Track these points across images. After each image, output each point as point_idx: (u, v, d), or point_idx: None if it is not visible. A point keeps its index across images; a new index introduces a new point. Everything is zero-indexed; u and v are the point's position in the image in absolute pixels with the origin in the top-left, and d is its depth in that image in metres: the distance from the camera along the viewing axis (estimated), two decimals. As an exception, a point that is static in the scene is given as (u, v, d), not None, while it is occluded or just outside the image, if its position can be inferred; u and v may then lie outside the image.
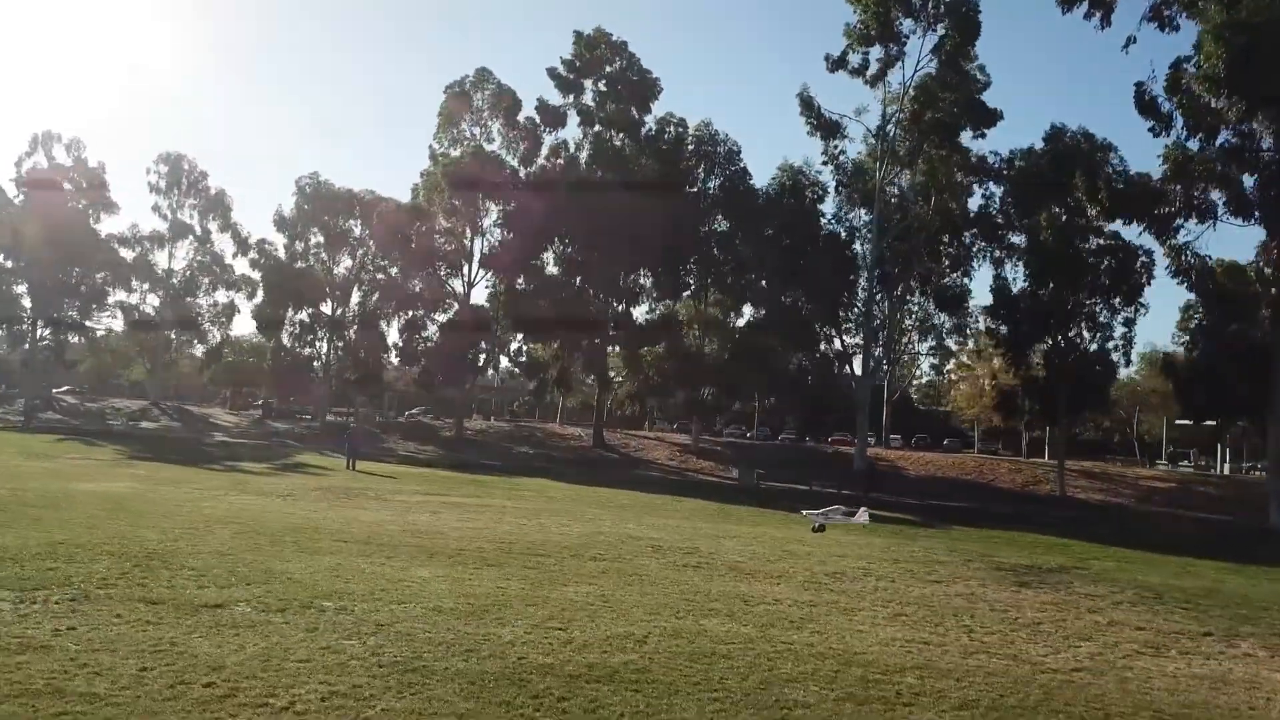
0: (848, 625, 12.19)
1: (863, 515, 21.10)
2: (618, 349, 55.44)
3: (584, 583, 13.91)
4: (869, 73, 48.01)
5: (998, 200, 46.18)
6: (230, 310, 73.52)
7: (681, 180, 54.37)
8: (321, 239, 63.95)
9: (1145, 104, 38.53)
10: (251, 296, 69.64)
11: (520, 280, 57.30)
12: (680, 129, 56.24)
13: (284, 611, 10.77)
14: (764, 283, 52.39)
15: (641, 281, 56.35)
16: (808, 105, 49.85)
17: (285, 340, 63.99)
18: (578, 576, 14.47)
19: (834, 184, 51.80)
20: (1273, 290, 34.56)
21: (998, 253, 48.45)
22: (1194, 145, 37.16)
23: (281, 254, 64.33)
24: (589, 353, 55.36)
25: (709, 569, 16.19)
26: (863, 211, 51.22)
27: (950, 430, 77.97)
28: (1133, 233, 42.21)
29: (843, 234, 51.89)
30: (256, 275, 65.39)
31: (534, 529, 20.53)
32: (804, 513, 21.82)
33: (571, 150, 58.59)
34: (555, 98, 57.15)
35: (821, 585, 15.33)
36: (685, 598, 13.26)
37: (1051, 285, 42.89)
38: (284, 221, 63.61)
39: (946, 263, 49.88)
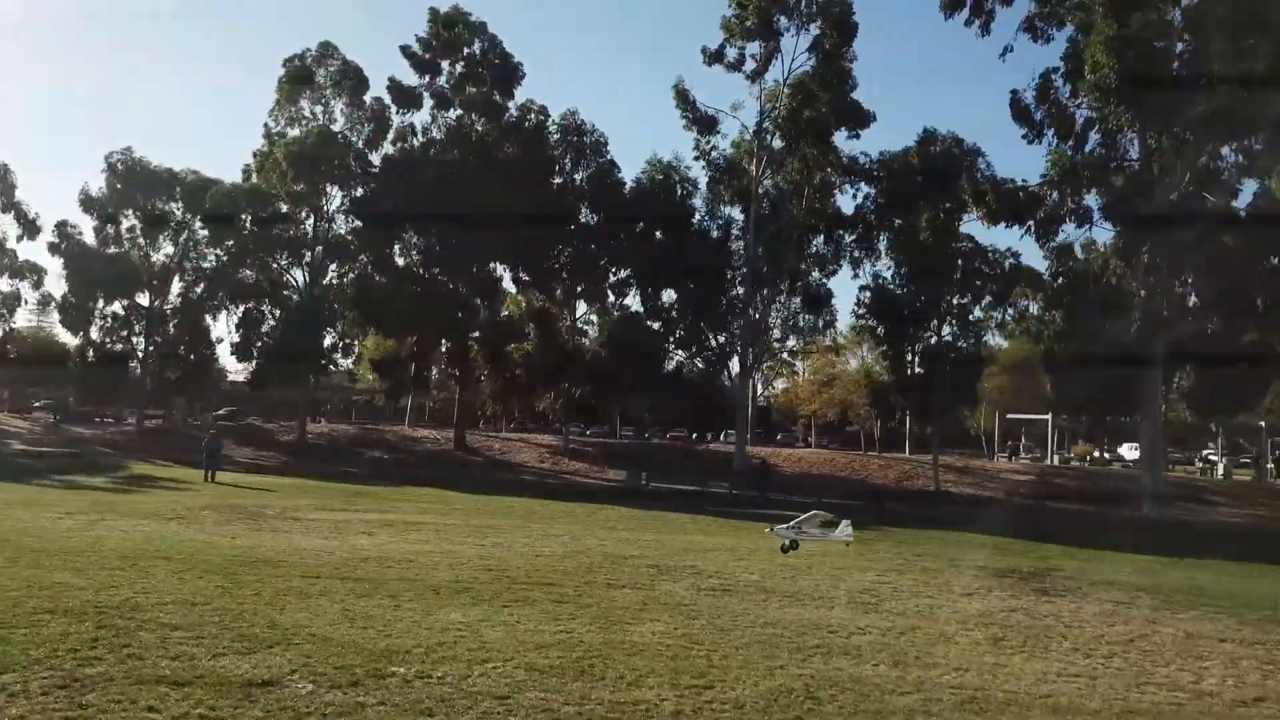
0: (973, 658, 10.94)
1: (845, 529, 19.92)
2: (477, 346, 52.40)
3: (644, 620, 11.98)
4: (746, 68, 47.67)
5: (870, 201, 46.82)
6: (14, 300, 64.72)
7: (548, 169, 52.15)
8: (136, 222, 57.29)
9: (1020, 111, 39.98)
10: (38, 285, 61.73)
11: (370, 270, 53.38)
12: (542, 116, 53.90)
13: (358, 686, 8.35)
14: (637, 279, 51.00)
15: (502, 274, 53.81)
16: (683, 98, 48.88)
17: (95, 335, 56.88)
18: (627, 611, 12.52)
19: (705, 180, 51.26)
20: (1141, 292, 36.63)
21: (859, 253, 49.27)
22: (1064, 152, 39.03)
23: (90, 238, 57.13)
24: (452, 350, 52.27)
25: (742, 593, 14.56)
26: (735, 208, 50.90)
27: (772, 425, 79.40)
28: (998, 236, 43.97)
29: (715, 231, 51.27)
30: (57, 261, 57.57)
31: (501, 549, 18.23)
32: (770, 529, 20.48)
33: (419, 135, 55.21)
34: (409, 77, 53.67)
35: (873, 607, 14.04)
36: (772, 632, 11.64)
37: (923, 285, 43.91)
38: (92, 202, 56.43)
39: (814, 262, 50.29)
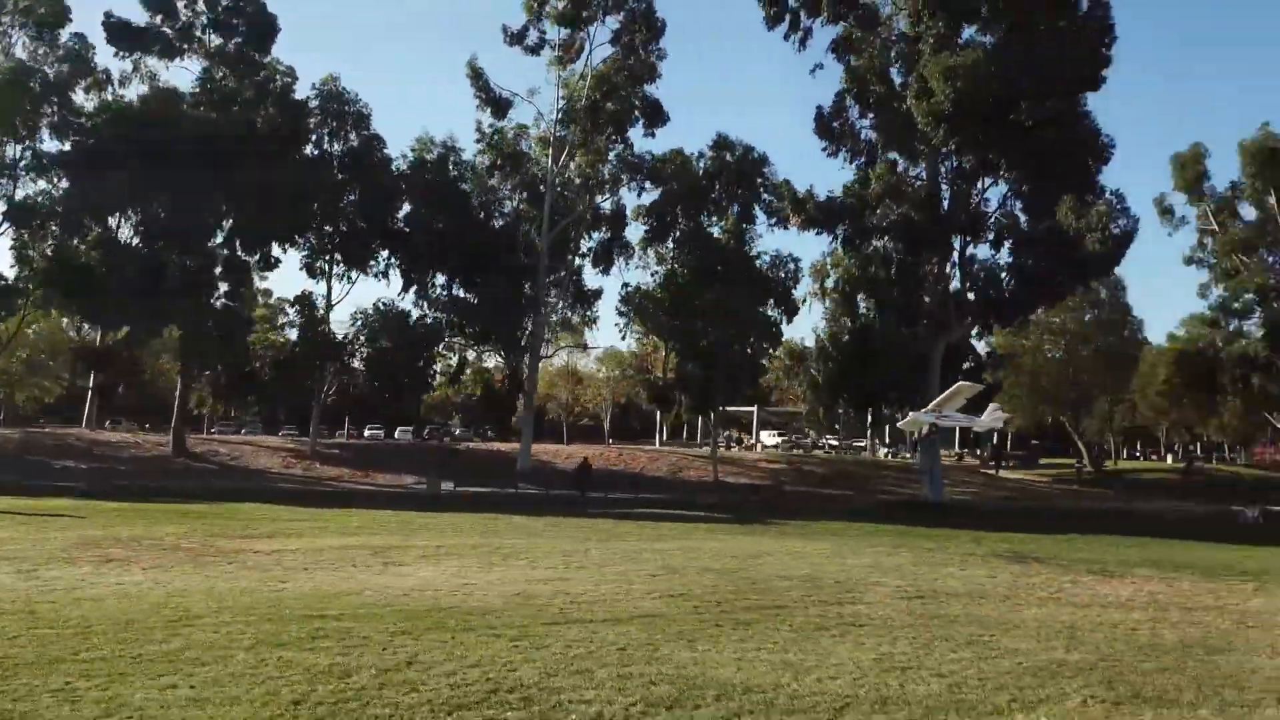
0: None
1: (996, 413, 20.25)
2: (214, 334, 44.74)
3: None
4: (545, 55, 46.18)
5: (662, 199, 47.01)
6: None
7: (299, 138, 46.02)
8: None
9: (824, 128, 42.63)
10: None
11: (73, 241, 43.71)
12: (289, 79, 47.36)
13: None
14: (410, 265, 46.75)
15: (239, 254, 46.56)
16: (478, 77, 46.05)
17: None
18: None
19: (485, 165, 48.43)
20: (926, 300, 40.81)
21: (616, 250, 49.63)
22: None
23: None
24: (182, 339, 44.28)
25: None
26: (520, 196, 48.79)
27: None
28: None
29: (498, 220, 48.55)
30: None
31: (615, 573, 15.65)
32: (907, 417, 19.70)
33: (142, 83, 46.56)
34: (134, 14, 44.97)
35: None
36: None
37: (711, 284, 45.04)
38: None
39: (590, 257, 49.77)
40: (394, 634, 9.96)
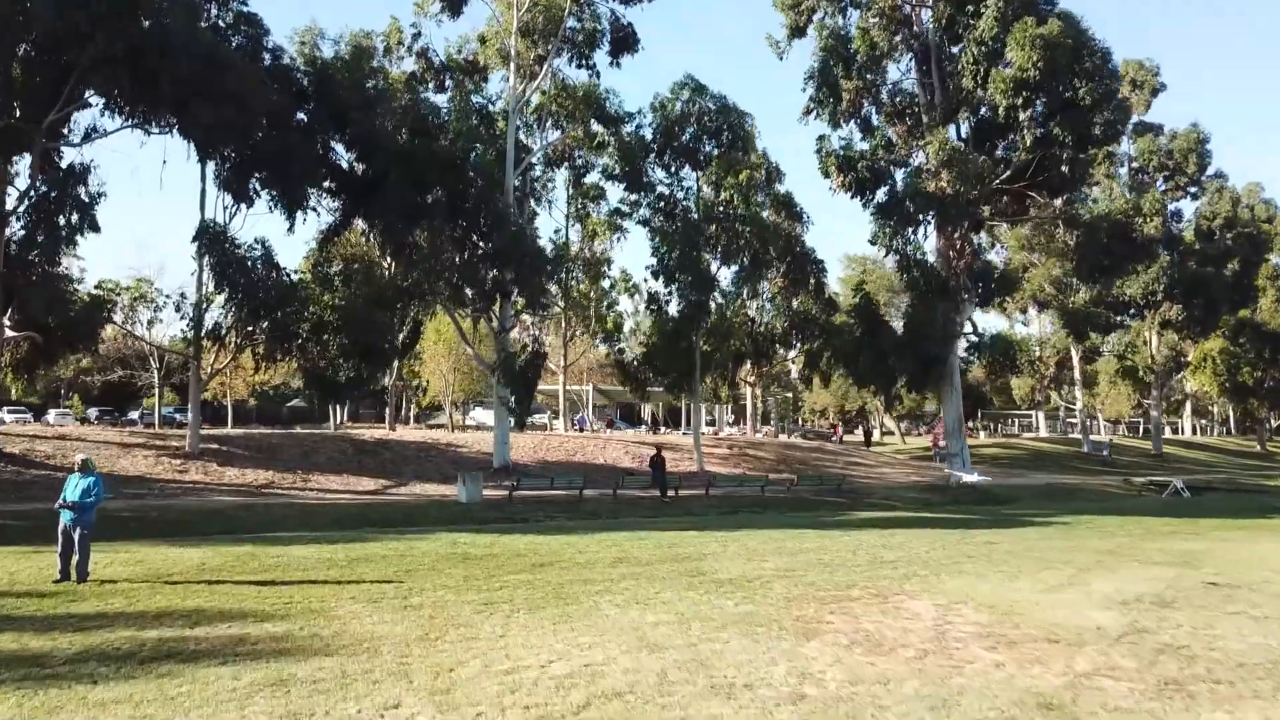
0: None
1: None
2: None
3: None
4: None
5: (643, 150, 39.99)
6: None
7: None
8: None
9: (829, 83, 39.67)
10: None
11: None
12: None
13: None
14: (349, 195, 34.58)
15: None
16: (426, -41, 35.31)
17: None
18: None
19: (408, 75, 37.43)
20: (946, 273, 39.35)
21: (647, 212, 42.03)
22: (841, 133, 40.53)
23: None
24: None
25: None
26: (466, 123, 38.07)
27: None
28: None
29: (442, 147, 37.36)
30: None
31: None
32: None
33: None
34: None
35: None
36: None
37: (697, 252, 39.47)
38: None
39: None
40: None
